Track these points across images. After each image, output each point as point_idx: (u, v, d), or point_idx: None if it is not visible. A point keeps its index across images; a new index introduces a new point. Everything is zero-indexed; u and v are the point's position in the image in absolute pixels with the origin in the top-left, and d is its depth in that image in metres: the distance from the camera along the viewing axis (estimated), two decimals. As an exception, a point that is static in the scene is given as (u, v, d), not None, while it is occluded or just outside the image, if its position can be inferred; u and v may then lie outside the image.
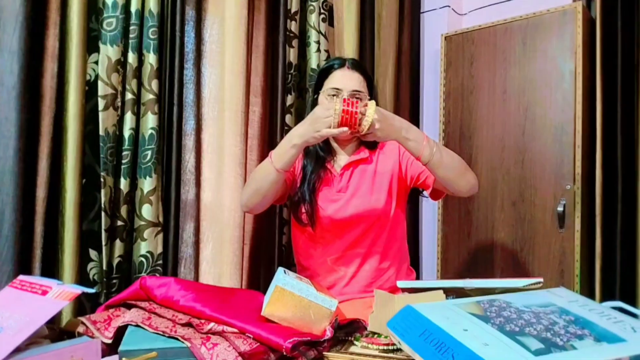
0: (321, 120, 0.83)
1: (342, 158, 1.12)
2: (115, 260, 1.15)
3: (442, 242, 1.93)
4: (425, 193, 1.08)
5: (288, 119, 1.50)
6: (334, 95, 1.02)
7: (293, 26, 1.51)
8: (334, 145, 1.13)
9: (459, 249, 1.87)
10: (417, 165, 1.04)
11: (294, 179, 1.10)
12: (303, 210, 1.05)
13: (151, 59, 1.20)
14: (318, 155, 1.09)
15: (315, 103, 1.08)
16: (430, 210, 2.10)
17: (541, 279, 0.72)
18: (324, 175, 1.10)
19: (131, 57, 1.17)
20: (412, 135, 0.86)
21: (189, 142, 1.32)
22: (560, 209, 1.66)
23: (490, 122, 1.84)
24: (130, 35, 1.15)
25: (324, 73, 1.08)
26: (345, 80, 1.02)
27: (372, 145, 1.11)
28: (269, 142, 1.46)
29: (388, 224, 1.08)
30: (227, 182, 1.34)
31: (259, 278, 1.43)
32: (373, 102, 0.85)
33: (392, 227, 1.09)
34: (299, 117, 1.51)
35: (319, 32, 1.55)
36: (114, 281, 1.15)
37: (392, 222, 1.08)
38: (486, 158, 1.85)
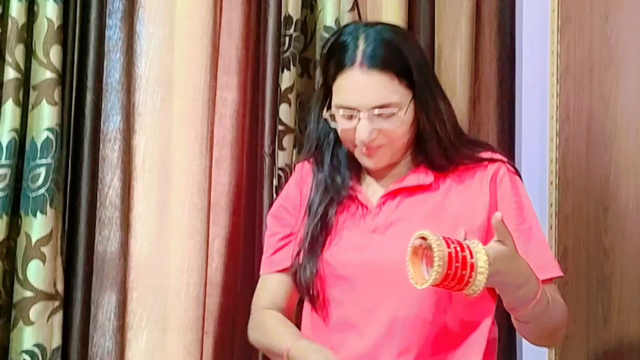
0: None
1: (378, 188, 1.13)
2: (-22, 360, 1.17)
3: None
4: None
5: (283, 111, 1.48)
6: (350, 117, 1.08)
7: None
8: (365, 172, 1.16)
9: (588, 348, 1.77)
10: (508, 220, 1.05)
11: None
12: (297, 277, 1.12)
13: (49, 9, 1.21)
14: (332, 184, 1.14)
15: (318, 120, 1.15)
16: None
17: None
18: (344, 213, 1.11)
19: (15, 6, 1.19)
20: (524, 290, 0.97)
21: (111, 153, 1.33)
22: None
23: (644, 121, 1.75)
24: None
25: (331, 70, 1.11)
26: (361, 92, 1.07)
27: (443, 163, 1.12)
28: (250, 154, 1.49)
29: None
30: (176, 224, 1.35)
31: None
32: (479, 245, 0.91)
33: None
34: (302, 109, 1.51)
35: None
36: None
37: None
38: (637, 184, 1.75)
